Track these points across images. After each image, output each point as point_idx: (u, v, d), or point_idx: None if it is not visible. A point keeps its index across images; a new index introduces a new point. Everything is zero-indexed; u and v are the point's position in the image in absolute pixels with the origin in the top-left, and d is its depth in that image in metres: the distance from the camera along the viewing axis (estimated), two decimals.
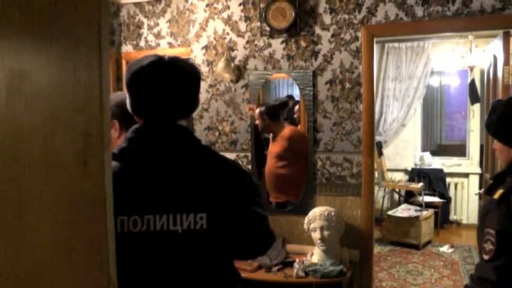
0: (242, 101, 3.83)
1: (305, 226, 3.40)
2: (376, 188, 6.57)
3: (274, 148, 3.93)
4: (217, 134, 3.91)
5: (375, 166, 4.67)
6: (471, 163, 7.06)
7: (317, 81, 3.61)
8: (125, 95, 1.49)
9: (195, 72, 1.47)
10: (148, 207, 1.35)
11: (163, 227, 1.35)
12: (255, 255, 1.61)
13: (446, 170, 7.01)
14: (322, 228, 3.30)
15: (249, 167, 3.82)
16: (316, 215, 3.34)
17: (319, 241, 3.31)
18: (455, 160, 7.24)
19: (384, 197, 7.11)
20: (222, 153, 3.78)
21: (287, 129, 3.91)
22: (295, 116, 4.30)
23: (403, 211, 6.26)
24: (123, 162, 1.38)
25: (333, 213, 3.33)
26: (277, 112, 3.98)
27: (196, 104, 1.50)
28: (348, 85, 3.54)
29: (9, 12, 0.63)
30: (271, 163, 3.93)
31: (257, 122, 3.87)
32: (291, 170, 3.79)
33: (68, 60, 0.73)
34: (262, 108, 3.89)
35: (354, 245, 3.53)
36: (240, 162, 3.84)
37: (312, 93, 3.60)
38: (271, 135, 4.00)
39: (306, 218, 3.40)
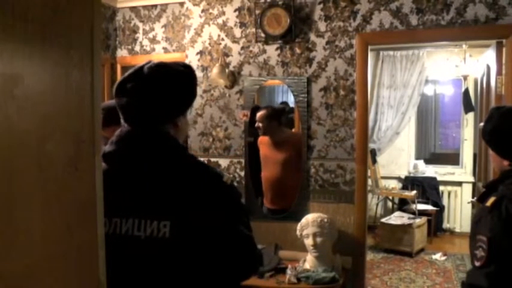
0: (236, 107, 3.83)
1: (298, 232, 3.41)
2: (370, 195, 6.58)
3: (278, 155, 3.92)
4: (211, 139, 3.91)
5: (369, 173, 4.69)
6: (464, 172, 7.10)
7: (311, 88, 3.63)
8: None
9: (177, 78, 1.48)
10: (117, 210, 1.37)
11: (128, 231, 1.36)
12: (238, 278, 1.52)
13: (439, 179, 7.05)
14: (314, 235, 3.30)
15: (242, 173, 3.83)
16: (309, 222, 3.35)
17: (311, 247, 3.31)
18: (448, 169, 7.28)
19: (377, 205, 7.13)
20: (216, 159, 3.77)
21: (294, 134, 3.91)
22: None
23: (397, 219, 6.28)
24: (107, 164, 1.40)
25: (325, 220, 3.34)
26: (282, 116, 4.03)
27: (175, 109, 1.49)
28: (342, 92, 3.56)
29: (2, 18, 0.64)
30: (275, 170, 3.92)
31: (259, 125, 3.90)
32: (294, 176, 3.77)
33: (60, 65, 0.74)
34: (266, 111, 3.92)
35: (347, 252, 3.53)
36: (234, 168, 3.85)
37: (306, 100, 3.62)
38: (267, 141, 4.00)
39: (299, 225, 3.40)
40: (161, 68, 1.47)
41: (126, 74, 1.48)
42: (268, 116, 3.93)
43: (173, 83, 1.46)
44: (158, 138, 1.44)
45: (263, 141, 4.04)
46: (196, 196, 1.38)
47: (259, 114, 3.94)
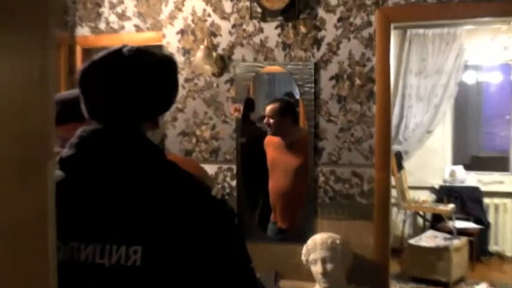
0: (226, 100, 3.87)
1: (303, 257, 3.42)
2: (394, 210, 6.57)
3: (290, 160, 3.97)
4: (194, 140, 3.94)
5: (393, 182, 4.70)
6: None
7: (320, 76, 3.66)
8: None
9: (162, 67, 1.49)
10: (74, 231, 1.35)
11: (88, 259, 1.33)
12: None
13: (483, 189, 7.03)
14: (324, 260, 3.32)
15: (233, 182, 3.87)
16: (317, 244, 3.36)
17: (320, 276, 3.33)
18: (495, 176, 7.26)
19: (404, 222, 7.13)
20: (201, 165, 3.77)
21: (306, 135, 3.92)
22: None
23: (429, 239, 6.28)
24: (64, 173, 1.39)
25: (337, 242, 3.36)
26: (296, 111, 4.06)
27: (161, 105, 1.51)
28: (358, 81, 3.59)
29: None
30: (285, 178, 3.96)
31: (269, 121, 3.95)
32: (301, 186, 3.80)
33: (1, 51, 0.75)
34: (279, 104, 3.98)
35: (365, 282, 3.56)
36: (223, 177, 3.87)
37: (313, 91, 3.65)
38: (278, 142, 4.04)
39: (305, 248, 3.42)
40: (145, 53, 1.48)
41: (97, 57, 1.46)
42: (281, 110, 3.98)
43: (161, 71, 1.48)
44: (133, 140, 1.43)
45: (272, 142, 4.09)
46: (176, 214, 1.36)
47: (270, 107, 3.98)
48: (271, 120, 3.97)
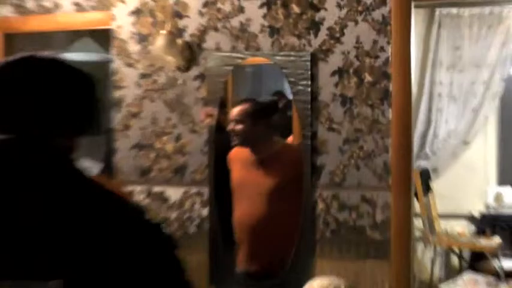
0: (195, 102, 3.87)
1: None
2: (420, 246, 6.59)
3: (263, 180, 3.96)
4: (152, 155, 3.93)
5: (417, 210, 4.69)
6: None
7: (318, 70, 3.67)
8: None
9: (81, 82, 1.60)
10: None
11: None
12: None
13: None
14: None
15: (205, 211, 3.86)
16: None
17: None
18: None
19: (433, 261, 7.13)
20: (160, 188, 3.75)
21: (290, 148, 3.94)
22: None
23: (467, 284, 6.29)
24: None
25: None
26: (273, 116, 4.08)
27: (74, 125, 1.59)
28: (368, 78, 3.60)
29: None
30: (256, 205, 3.95)
31: (235, 127, 3.95)
32: (290, 216, 3.80)
33: None
34: (250, 106, 3.98)
35: None
36: (191, 203, 3.85)
37: (309, 90, 3.65)
38: (246, 157, 4.04)
39: None
40: (64, 64, 1.59)
41: (10, 59, 1.55)
42: (252, 113, 3.97)
43: (80, 86, 1.60)
44: (48, 154, 1.49)
45: (238, 156, 4.08)
46: (103, 241, 1.41)
47: (237, 109, 3.97)
48: (239, 126, 3.95)
